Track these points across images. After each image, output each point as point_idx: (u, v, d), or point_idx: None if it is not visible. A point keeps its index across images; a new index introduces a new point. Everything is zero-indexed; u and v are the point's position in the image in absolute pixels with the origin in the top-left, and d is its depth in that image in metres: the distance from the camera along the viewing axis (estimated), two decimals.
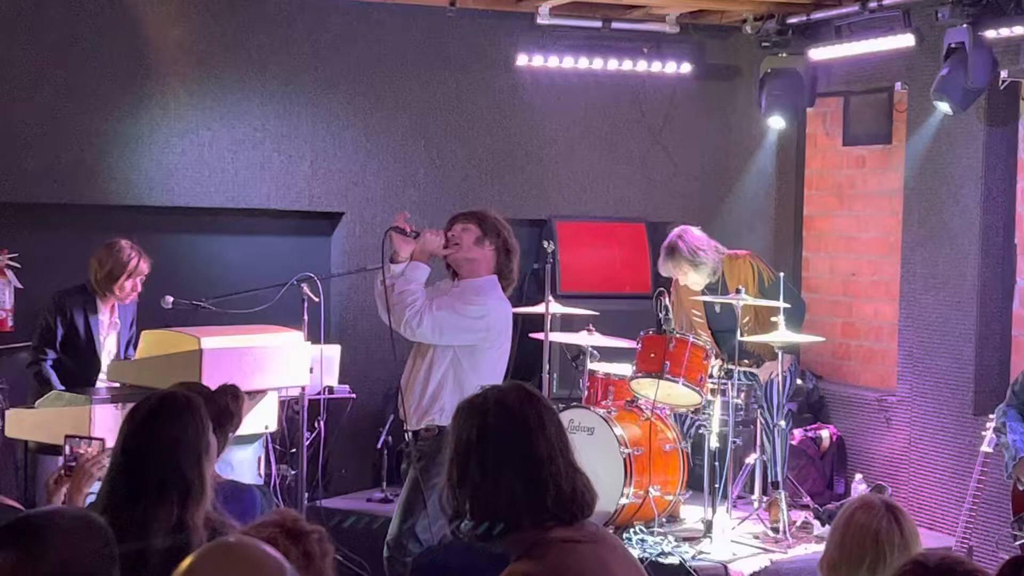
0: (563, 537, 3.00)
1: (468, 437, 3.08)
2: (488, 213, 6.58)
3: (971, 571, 2.65)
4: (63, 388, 7.26)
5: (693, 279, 8.14)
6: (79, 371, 7.58)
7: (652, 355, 7.82)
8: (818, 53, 9.10)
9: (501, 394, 3.15)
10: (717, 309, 8.24)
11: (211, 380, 6.69)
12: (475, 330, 6.38)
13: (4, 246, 8.43)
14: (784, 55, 9.28)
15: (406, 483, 6.46)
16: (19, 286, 8.39)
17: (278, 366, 7.14)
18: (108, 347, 7.73)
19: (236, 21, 8.97)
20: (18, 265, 8.40)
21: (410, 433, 6.47)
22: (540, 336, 7.93)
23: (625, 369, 8.11)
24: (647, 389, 7.90)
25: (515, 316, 8.57)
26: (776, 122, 9.42)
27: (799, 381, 8.80)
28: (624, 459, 7.68)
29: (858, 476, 8.56)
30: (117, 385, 7.13)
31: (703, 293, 8.17)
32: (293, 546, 2.92)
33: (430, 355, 6.43)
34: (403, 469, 6.63)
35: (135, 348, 7.44)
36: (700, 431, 8.09)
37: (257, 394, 7.24)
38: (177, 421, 3.74)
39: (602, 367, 8.31)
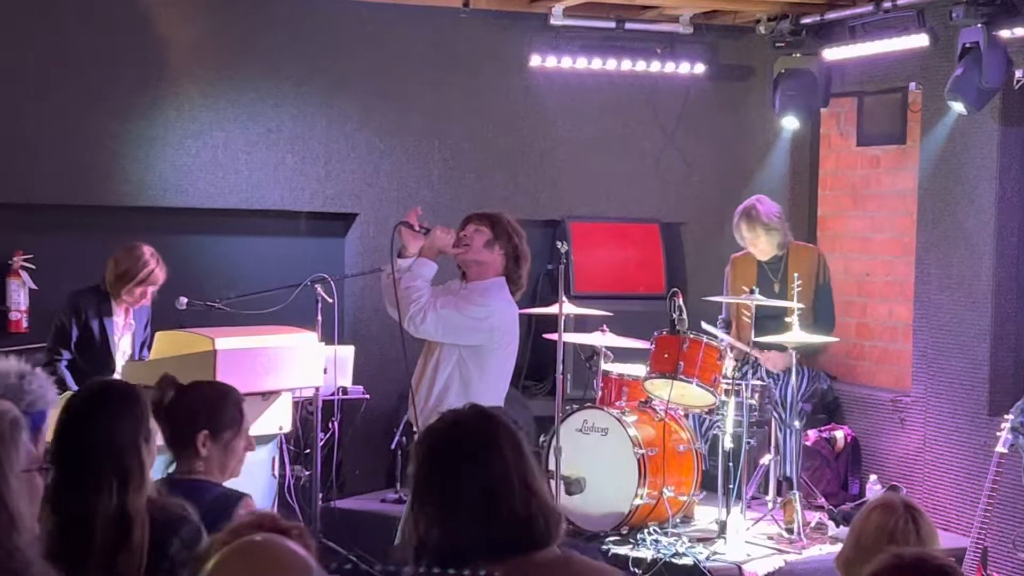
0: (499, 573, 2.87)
1: (422, 461, 3.03)
2: (502, 217, 6.55)
3: (941, 567, 2.67)
4: (77, 388, 7.27)
5: (763, 246, 8.40)
6: (94, 372, 7.57)
7: (666, 355, 7.83)
8: (832, 53, 9.08)
9: (455, 416, 3.07)
10: (776, 289, 8.31)
11: (225, 380, 6.71)
12: (478, 330, 6.36)
13: (19, 247, 8.44)
14: (798, 55, 9.26)
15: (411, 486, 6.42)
16: (34, 287, 8.40)
17: (292, 367, 7.15)
18: (123, 348, 7.74)
19: (249, 22, 8.98)
20: (32, 266, 8.42)
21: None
22: (554, 337, 7.90)
23: (639, 370, 8.11)
24: (661, 390, 7.90)
25: (528, 317, 8.58)
26: (790, 122, 9.41)
27: (814, 382, 8.79)
28: (638, 460, 7.68)
29: (872, 477, 8.55)
30: None
31: (765, 267, 8.38)
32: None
33: (436, 356, 6.43)
34: (408, 471, 6.61)
35: (150, 349, 7.45)
36: (714, 432, 8.08)
37: (271, 395, 7.25)
38: (113, 408, 3.70)
39: (616, 368, 8.30)
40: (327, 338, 7.56)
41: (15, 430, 3.00)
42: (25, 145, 8.49)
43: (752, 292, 7.92)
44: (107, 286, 7.66)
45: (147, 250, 7.67)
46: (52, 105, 8.52)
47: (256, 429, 7.14)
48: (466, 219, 6.61)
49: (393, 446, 8.72)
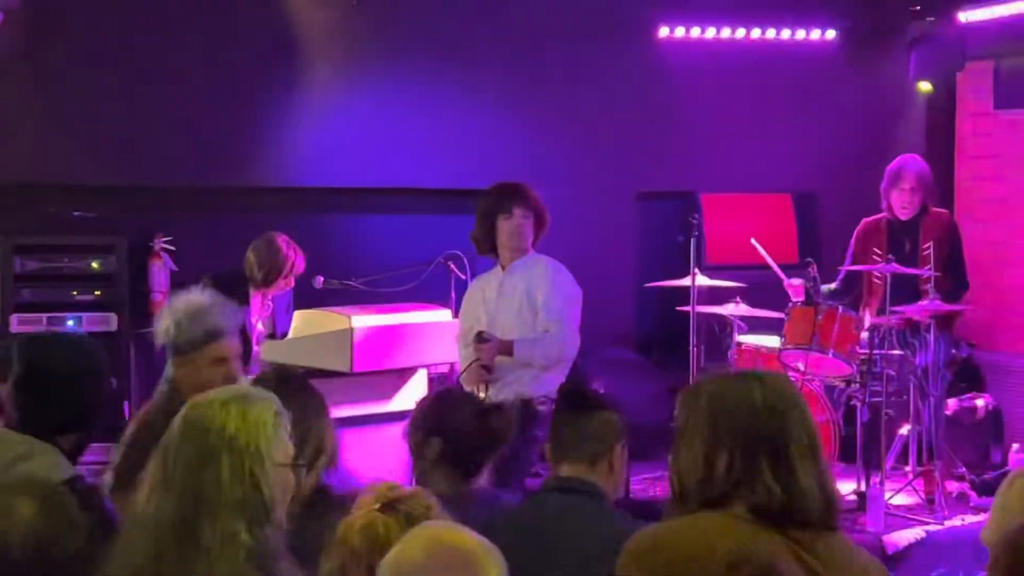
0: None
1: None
2: (533, 197, 6.63)
3: None
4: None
5: (905, 204, 8.15)
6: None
7: (801, 326, 7.72)
8: (968, 15, 8.88)
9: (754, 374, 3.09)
10: (907, 250, 8.18)
11: (362, 358, 6.80)
12: None
13: (159, 230, 8.56)
14: (932, 18, 9.07)
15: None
16: (174, 268, 8.52)
17: (427, 343, 7.19)
18: (260, 330, 7.81)
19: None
20: (173, 248, 8.53)
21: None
22: (687, 309, 7.89)
23: (774, 341, 8.02)
24: (796, 361, 7.82)
25: (660, 289, 8.54)
26: (926, 87, 9.24)
27: (953, 350, 8.64)
28: None
29: (1015, 446, 8.37)
30: (269, 365, 7.24)
31: (897, 230, 8.18)
32: (394, 518, 2.92)
33: None
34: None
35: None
36: (852, 402, 7.97)
37: (407, 371, 7.30)
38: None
39: (750, 339, 8.23)
40: None
41: (278, 422, 3.09)
42: (162, 128, 8.57)
43: (888, 259, 7.79)
44: (247, 274, 7.73)
45: (283, 241, 7.70)
46: (188, 87, 8.58)
47: (393, 405, 7.23)
48: (515, 195, 6.60)
49: None
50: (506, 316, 6.59)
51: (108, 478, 4.27)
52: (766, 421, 2.91)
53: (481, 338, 6.44)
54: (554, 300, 6.51)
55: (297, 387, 3.93)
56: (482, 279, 6.90)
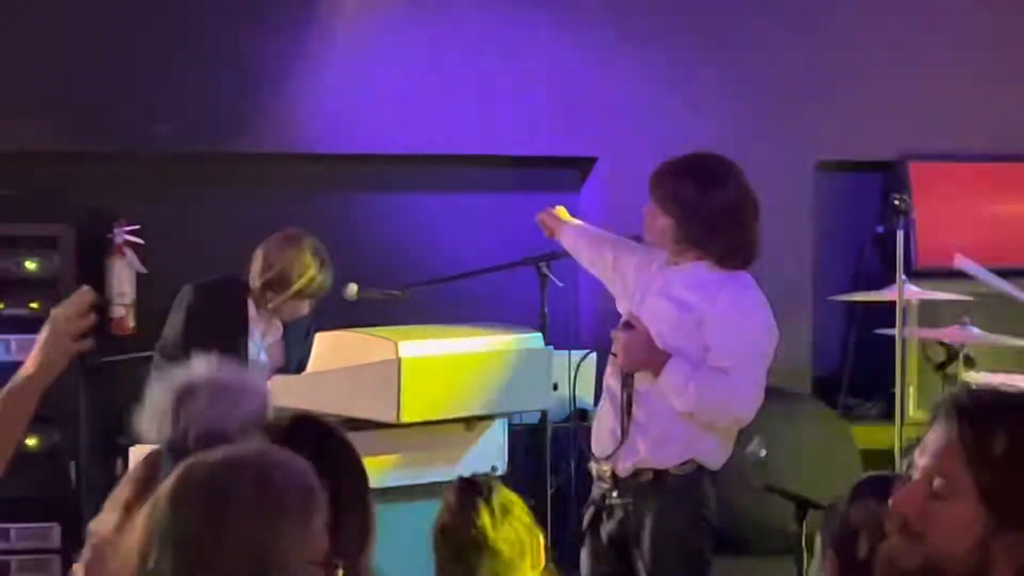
0: None
1: None
2: (679, 192, 6.30)
3: None
4: None
5: None
6: None
7: None
8: None
9: None
10: None
11: (415, 402, 6.71)
12: None
13: (121, 215, 8.56)
14: None
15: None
16: (143, 270, 8.51)
17: (508, 381, 7.11)
18: (264, 362, 7.71)
19: None
20: (140, 241, 8.53)
21: None
22: (890, 333, 7.76)
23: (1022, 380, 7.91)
24: None
25: (850, 306, 8.45)
26: None
27: None
28: None
29: None
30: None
31: None
32: None
33: None
34: None
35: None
36: None
37: (479, 422, 7.21)
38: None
39: (985, 378, 8.10)
40: (557, 340, 7.47)
41: (308, 504, 3.03)
42: (126, 71, 8.73)
43: None
44: (251, 286, 7.63)
45: (310, 246, 7.57)
46: (162, 16, 8.64)
47: (458, 471, 7.13)
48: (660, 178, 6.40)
49: None
50: (654, 320, 6.36)
51: None
52: None
53: (628, 326, 6.25)
54: (733, 342, 6.30)
55: (333, 446, 3.80)
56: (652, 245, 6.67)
